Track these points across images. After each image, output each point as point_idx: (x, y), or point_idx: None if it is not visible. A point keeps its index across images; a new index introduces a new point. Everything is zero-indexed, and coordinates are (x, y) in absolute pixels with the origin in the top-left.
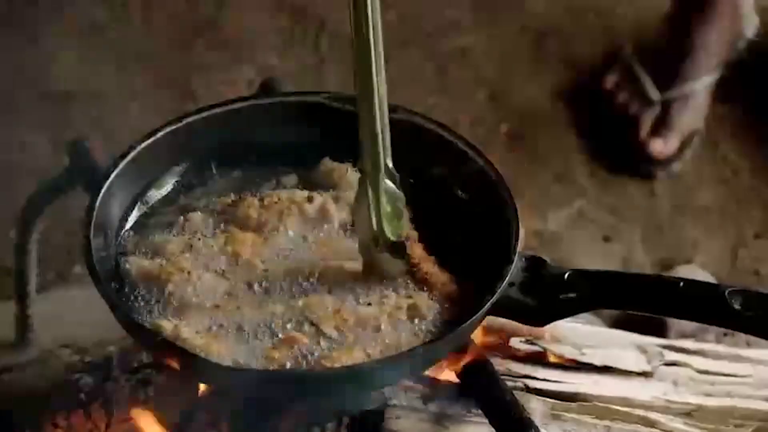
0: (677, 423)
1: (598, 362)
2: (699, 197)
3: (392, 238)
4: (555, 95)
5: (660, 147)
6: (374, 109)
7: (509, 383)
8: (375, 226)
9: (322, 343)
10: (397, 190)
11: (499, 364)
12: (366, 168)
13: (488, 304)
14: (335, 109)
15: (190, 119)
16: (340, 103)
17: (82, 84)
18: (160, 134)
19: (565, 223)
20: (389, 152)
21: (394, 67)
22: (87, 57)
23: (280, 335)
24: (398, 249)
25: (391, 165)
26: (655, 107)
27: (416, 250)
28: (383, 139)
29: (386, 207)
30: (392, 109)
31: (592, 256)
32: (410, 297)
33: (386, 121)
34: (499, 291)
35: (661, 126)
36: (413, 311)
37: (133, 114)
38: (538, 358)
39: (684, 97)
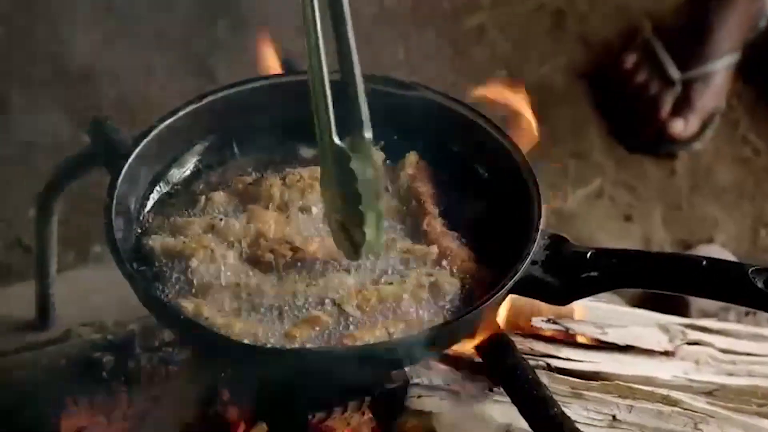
0: (699, 402)
1: (620, 341)
2: (719, 176)
3: (339, 218)
4: (573, 74)
5: (681, 127)
6: (318, 82)
7: (531, 362)
8: (329, 203)
9: (344, 322)
10: (350, 167)
11: (521, 343)
12: (319, 143)
13: (510, 281)
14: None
15: (210, 98)
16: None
17: (102, 64)
18: (181, 113)
19: (585, 202)
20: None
21: (412, 47)
22: (107, 37)
23: (301, 314)
24: (346, 229)
25: (338, 141)
26: (676, 87)
27: (435, 227)
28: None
29: (338, 185)
30: (413, 87)
31: (612, 235)
32: (431, 275)
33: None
34: (521, 269)
35: (681, 106)
36: (435, 289)
37: (152, 94)
38: (560, 338)
39: (704, 77)
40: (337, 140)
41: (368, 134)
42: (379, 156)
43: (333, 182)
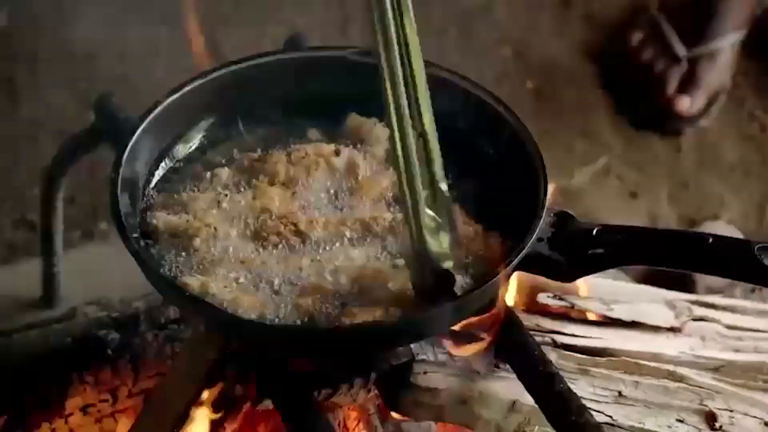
0: (705, 378)
1: (626, 317)
2: (725, 154)
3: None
4: (580, 52)
5: (687, 104)
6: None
7: (537, 338)
8: (416, 240)
9: (350, 297)
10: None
11: (528, 320)
12: (401, 189)
13: (517, 258)
14: (360, 64)
15: (216, 74)
16: (365, 57)
17: (106, 41)
18: (186, 89)
19: (591, 180)
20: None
21: (418, 24)
22: (111, 14)
23: (307, 290)
24: (440, 280)
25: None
26: (682, 64)
27: None
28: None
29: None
30: None
31: (618, 213)
32: None
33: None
34: (527, 245)
35: (687, 83)
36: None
37: (158, 71)
38: (566, 314)
39: (711, 55)
40: (444, 187)
41: (444, 186)
42: (384, 133)
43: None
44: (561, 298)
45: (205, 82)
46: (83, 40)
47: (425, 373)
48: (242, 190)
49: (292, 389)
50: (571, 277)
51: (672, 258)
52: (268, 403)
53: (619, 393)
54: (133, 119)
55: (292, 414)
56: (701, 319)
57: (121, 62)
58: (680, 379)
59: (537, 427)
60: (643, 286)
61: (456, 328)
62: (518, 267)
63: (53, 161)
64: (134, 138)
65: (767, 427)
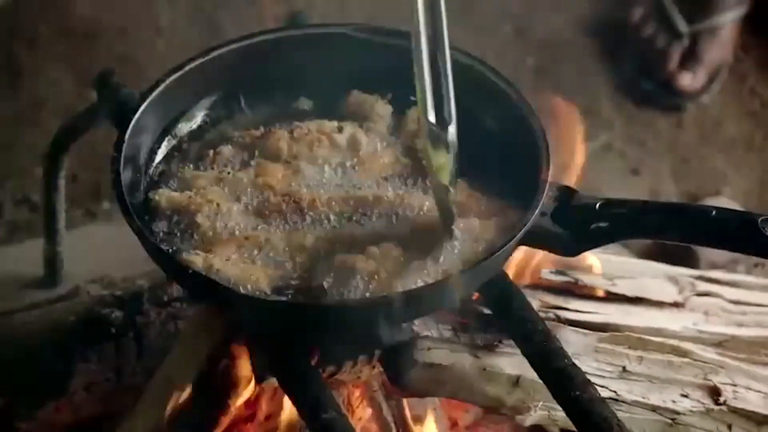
0: (709, 353)
1: (629, 293)
2: (726, 129)
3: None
4: (581, 28)
5: (688, 80)
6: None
7: (541, 314)
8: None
9: (354, 274)
10: (442, 140)
11: (531, 295)
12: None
13: (520, 232)
14: (361, 41)
15: (217, 52)
16: (365, 34)
17: (108, 21)
18: (188, 67)
19: (593, 157)
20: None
21: None
22: None
23: (311, 267)
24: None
25: (432, 119)
26: (683, 40)
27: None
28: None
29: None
30: None
31: (620, 189)
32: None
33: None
34: (530, 220)
35: (689, 59)
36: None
37: (159, 49)
38: (570, 289)
39: (712, 30)
40: (431, 118)
41: (452, 129)
42: (386, 109)
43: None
44: (564, 274)
45: (207, 60)
46: (85, 18)
47: (429, 349)
48: (245, 167)
49: (297, 366)
50: (575, 252)
51: (675, 231)
52: (272, 381)
53: (624, 368)
54: (135, 97)
55: (298, 391)
56: (705, 294)
57: (123, 41)
58: (684, 354)
59: (541, 402)
60: (646, 262)
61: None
62: (522, 242)
63: (55, 140)
64: (136, 116)
65: None
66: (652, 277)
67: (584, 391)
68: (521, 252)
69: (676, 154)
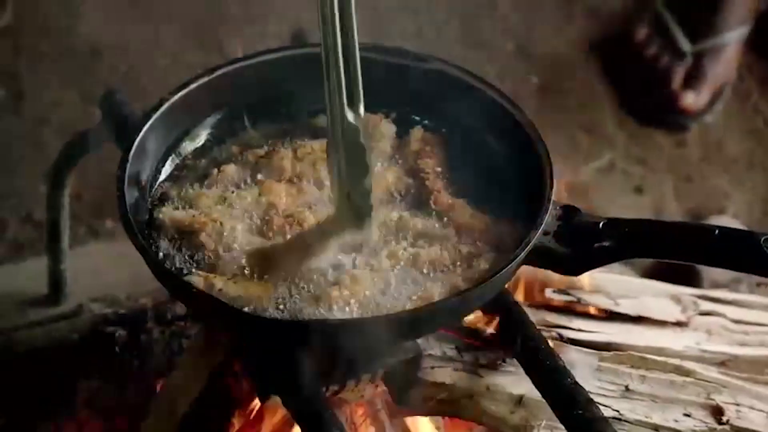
0: (712, 372)
1: (632, 312)
2: (730, 148)
3: (350, 190)
4: (584, 47)
5: (692, 99)
6: (331, 53)
7: (544, 333)
8: (336, 176)
9: (355, 295)
10: (360, 141)
11: (534, 314)
12: (328, 114)
13: (523, 252)
14: (364, 60)
15: (221, 71)
16: (368, 53)
17: (111, 39)
18: (192, 86)
19: (596, 175)
20: (359, 100)
21: (422, 20)
22: (114, 12)
23: (314, 287)
24: (357, 203)
25: (350, 117)
26: (687, 59)
27: (443, 202)
28: (344, 87)
29: (343, 160)
30: (425, 58)
31: (624, 207)
32: (445, 246)
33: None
34: (533, 239)
35: (692, 78)
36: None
37: (162, 68)
38: (573, 309)
39: (715, 49)
40: (349, 115)
41: (361, 109)
42: (390, 128)
43: (341, 153)
44: (567, 293)
45: (210, 79)
46: (89, 37)
47: (433, 368)
48: (248, 186)
49: (300, 385)
50: (578, 271)
51: (678, 250)
52: (275, 399)
53: (626, 387)
54: (139, 116)
55: (301, 409)
56: (707, 313)
57: (126, 59)
58: (687, 373)
59: (544, 421)
60: (649, 281)
61: (463, 322)
62: (525, 261)
63: (59, 158)
64: (140, 135)
65: None
66: (655, 296)
67: (587, 410)
68: (524, 271)
69: (679, 173)
